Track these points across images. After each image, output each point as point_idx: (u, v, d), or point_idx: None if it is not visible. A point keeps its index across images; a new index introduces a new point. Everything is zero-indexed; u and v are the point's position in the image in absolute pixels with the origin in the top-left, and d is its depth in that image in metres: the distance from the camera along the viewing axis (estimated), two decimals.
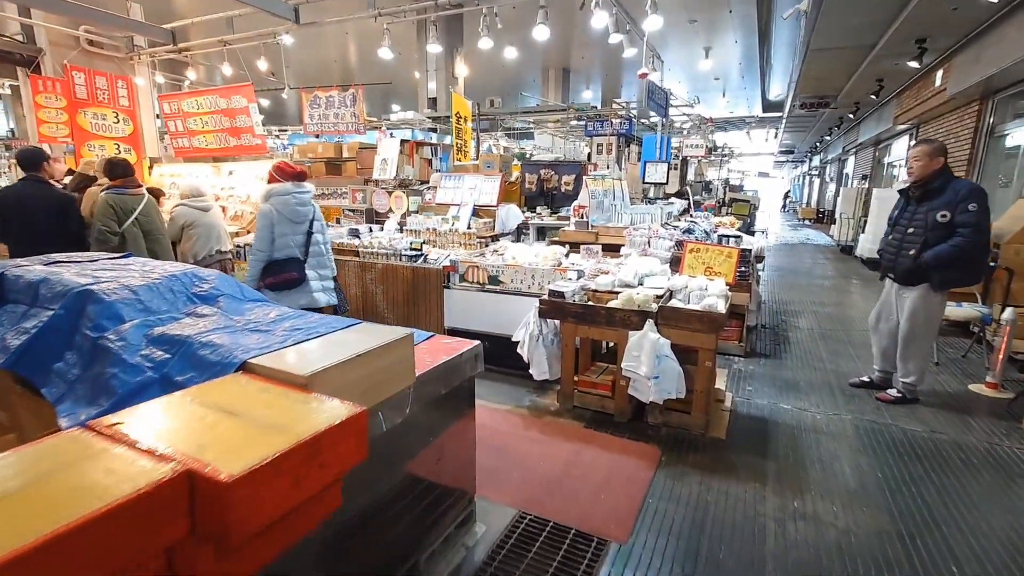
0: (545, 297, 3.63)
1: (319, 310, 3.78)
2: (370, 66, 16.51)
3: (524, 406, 3.81)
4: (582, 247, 4.48)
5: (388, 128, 14.21)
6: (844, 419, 3.67)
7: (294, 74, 14.79)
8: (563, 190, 7.37)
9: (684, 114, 12.44)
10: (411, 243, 4.93)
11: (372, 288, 5.07)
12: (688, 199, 7.12)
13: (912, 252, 3.61)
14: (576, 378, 3.69)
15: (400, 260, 4.88)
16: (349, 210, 5.92)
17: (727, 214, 12.02)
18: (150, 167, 7.68)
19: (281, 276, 3.77)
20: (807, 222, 23.20)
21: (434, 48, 7.44)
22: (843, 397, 4.04)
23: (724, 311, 3.24)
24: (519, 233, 6.22)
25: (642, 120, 13.52)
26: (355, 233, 5.47)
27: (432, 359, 2.02)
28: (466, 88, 15.31)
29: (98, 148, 7.03)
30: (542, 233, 6.54)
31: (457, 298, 4.54)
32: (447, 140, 9.77)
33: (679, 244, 4.76)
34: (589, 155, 11.92)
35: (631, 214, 5.60)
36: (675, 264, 4.36)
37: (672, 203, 6.49)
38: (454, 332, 4.67)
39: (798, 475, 2.98)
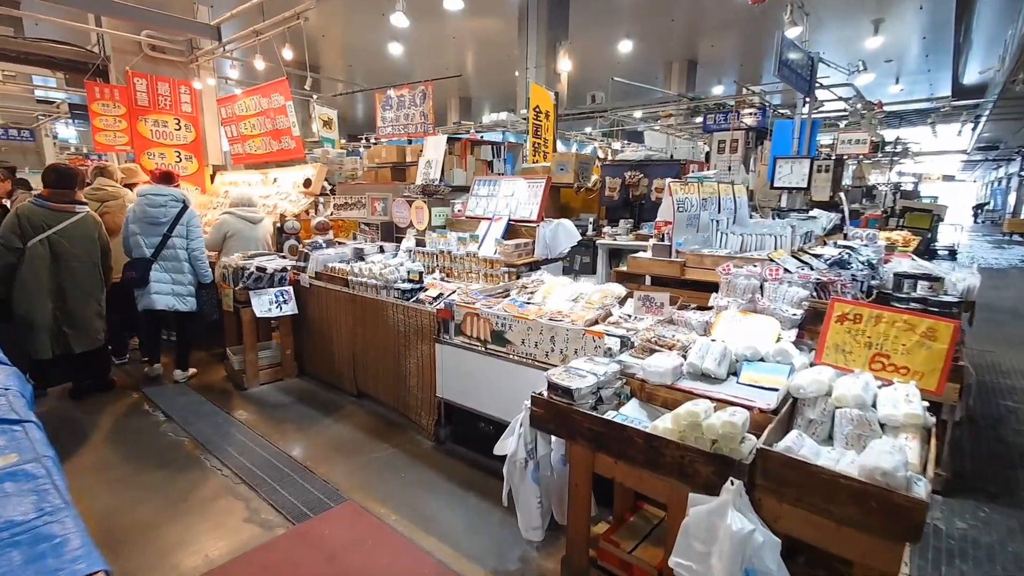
0: (541, 393, 2.03)
1: (166, 313, 4.04)
2: (478, 73, 15.82)
3: (510, 572, 2.23)
4: (636, 295, 2.76)
5: (478, 132, 13.27)
6: None
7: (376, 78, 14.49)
8: (654, 199, 5.58)
9: (840, 98, 9.61)
10: (408, 271, 3.60)
11: (358, 332, 3.83)
12: (842, 211, 4.86)
13: None
14: (599, 543, 2.04)
15: (390, 295, 3.57)
16: (365, 224, 4.82)
17: (899, 227, 8.97)
18: (212, 175, 7.40)
19: (127, 273, 3.94)
20: (1015, 237, 17.83)
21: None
22: None
23: (926, 485, 1.39)
24: (592, 260, 4.60)
25: (781, 111, 10.87)
26: (360, 254, 4.30)
27: None
28: (571, 86, 13.85)
29: (158, 156, 6.81)
30: (617, 259, 4.82)
31: (453, 358, 3.09)
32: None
33: (821, 290, 2.81)
34: (707, 156, 9.73)
35: (744, 235, 3.70)
36: (810, 330, 2.47)
37: (814, 217, 4.39)
38: (450, 409, 3.22)
39: None
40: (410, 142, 8.12)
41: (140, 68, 6.73)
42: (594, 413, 1.89)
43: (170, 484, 2.82)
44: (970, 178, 36.34)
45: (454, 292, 3.40)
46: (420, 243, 4.27)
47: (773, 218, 4.78)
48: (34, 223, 3.47)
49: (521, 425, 2.07)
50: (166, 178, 4.11)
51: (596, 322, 2.82)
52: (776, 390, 1.93)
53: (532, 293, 3.34)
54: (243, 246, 4.57)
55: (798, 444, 1.59)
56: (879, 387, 1.82)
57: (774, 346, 2.11)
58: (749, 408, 1.83)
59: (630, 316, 2.92)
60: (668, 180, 3.66)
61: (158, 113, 6.76)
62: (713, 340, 2.24)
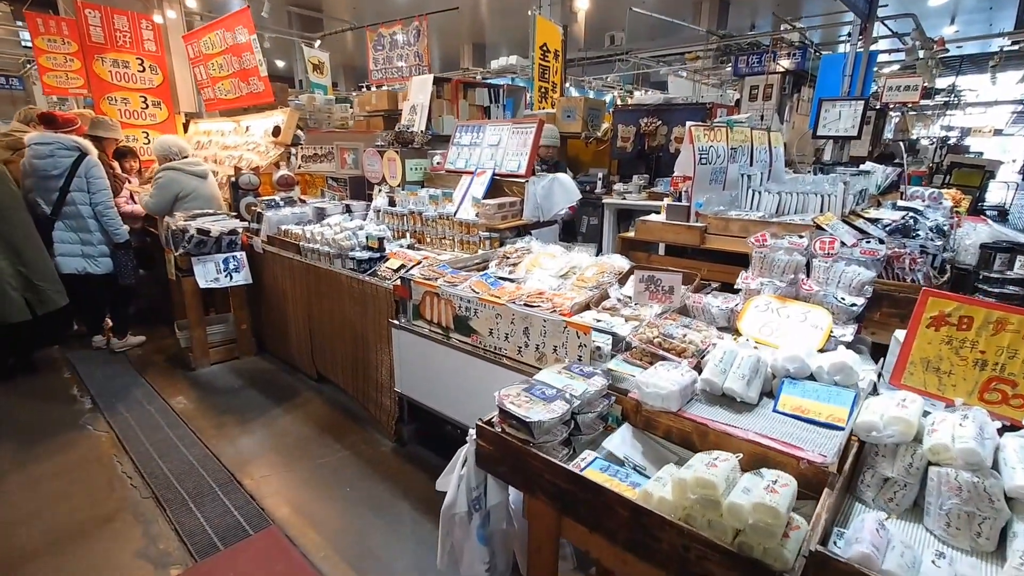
0: (491, 420, 1.43)
1: (74, 278, 3.50)
2: (492, 14, 14.52)
3: None
4: (637, 274, 2.09)
5: (486, 79, 12.22)
6: None
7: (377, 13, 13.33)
8: (673, 150, 4.77)
9: (895, 34, 8.39)
10: (368, 237, 2.97)
11: (314, 306, 3.25)
12: (902, 165, 4.03)
13: None
14: None
15: (345, 266, 2.96)
16: (333, 179, 4.15)
17: (945, 185, 7.98)
18: (186, 124, 6.74)
19: None
20: None
21: None
22: None
23: None
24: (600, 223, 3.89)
25: (822, 52, 9.63)
26: (321, 215, 3.67)
27: None
28: (590, 29, 12.59)
29: (120, 101, 6.15)
30: (627, 221, 4.11)
31: (412, 347, 2.50)
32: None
33: (889, 270, 2.13)
34: (737, 104, 8.70)
35: (781, 194, 2.97)
36: (869, 322, 1.82)
37: (867, 172, 3.59)
38: (411, 407, 2.66)
39: None
40: (403, 87, 7.33)
41: None
42: (558, 462, 1.28)
43: (64, 498, 2.34)
44: (1019, 132, 33.76)
45: (419, 264, 2.78)
46: (391, 202, 3.62)
47: (815, 173, 3.99)
48: None
49: (464, 463, 1.48)
50: (47, 121, 3.50)
51: (587, 306, 2.19)
52: (836, 429, 1.30)
53: (514, 265, 2.71)
54: (202, 207, 3.95)
55: (880, 544, 0.96)
56: (1002, 434, 1.18)
57: (829, 359, 1.46)
58: (796, 458, 1.22)
59: (632, 299, 2.27)
60: (689, 124, 2.91)
61: (117, 52, 6.05)
62: (739, 341, 1.60)
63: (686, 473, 1.09)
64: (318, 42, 10.93)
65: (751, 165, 3.49)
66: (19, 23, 11.43)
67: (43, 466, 2.55)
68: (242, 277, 3.62)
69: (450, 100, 5.29)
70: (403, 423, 2.77)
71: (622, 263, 2.57)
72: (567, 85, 8.92)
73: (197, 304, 3.57)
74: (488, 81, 7.26)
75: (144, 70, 6.29)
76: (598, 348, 1.82)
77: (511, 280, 2.52)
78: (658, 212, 3.42)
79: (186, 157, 3.99)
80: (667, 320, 1.80)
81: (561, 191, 3.37)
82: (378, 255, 2.92)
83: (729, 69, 12.42)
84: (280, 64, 17.38)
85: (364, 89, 12.24)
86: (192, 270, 3.45)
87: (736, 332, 1.84)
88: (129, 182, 4.55)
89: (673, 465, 1.22)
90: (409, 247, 3.14)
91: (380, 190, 3.79)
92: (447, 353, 2.32)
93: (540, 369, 2.00)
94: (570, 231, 5.02)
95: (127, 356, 3.82)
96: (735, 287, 2.10)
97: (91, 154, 3.51)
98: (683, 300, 1.97)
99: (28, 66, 13.36)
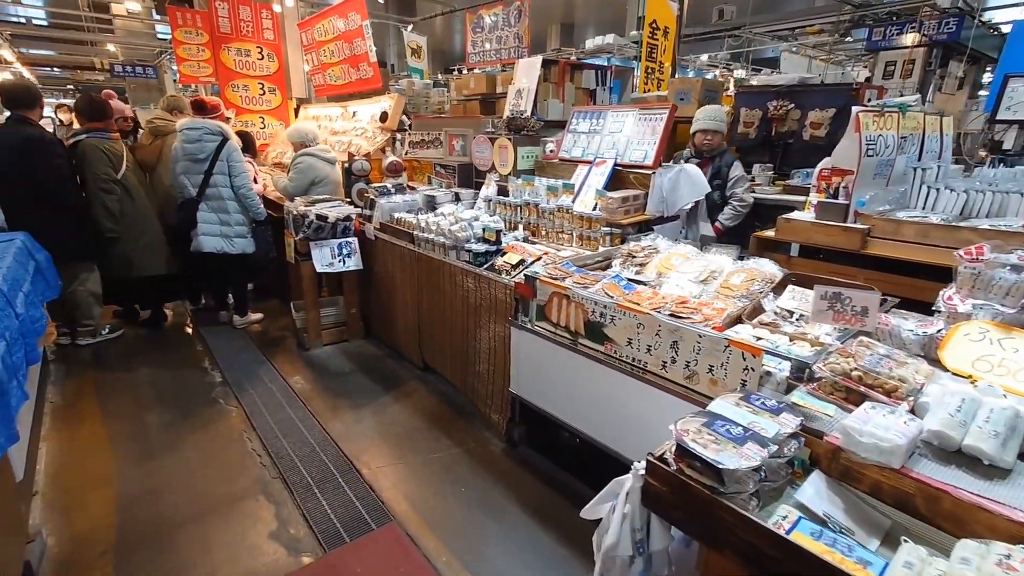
0: (663, 456, 1.25)
1: (211, 256, 3.71)
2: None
3: None
4: (819, 290, 1.78)
5: (579, 58, 11.78)
6: None
7: None
8: (808, 137, 4.24)
9: None
10: (484, 229, 2.87)
11: (424, 297, 3.22)
12: None
13: None
14: None
15: (460, 258, 2.88)
16: (441, 166, 4.10)
17: None
18: (296, 109, 7.04)
19: (179, 214, 3.69)
20: None
21: None
22: None
23: None
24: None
25: (980, 19, 8.28)
26: (432, 203, 3.63)
27: None
28: (691, 3, 11.72)
29: (242, 88, 6.53)
30: (761, 217, 3.70)
31: (533, 349, 2.38)
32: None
33: None
34: (868, 80, 7.73)
35: (968, 192, 2.50)
36: None
37: None
38: (526, 410, 2.55)
39: None
40: (504, 69, 7.20)
41: None
42: (755, 517, 1.08)
43: (203, 468, 2.48)
44: None
45: (539, 260, 2.63)
46: (503, 191, 3.50)
47: (993, 166, 3.37)
48: (116, 155, 3.58)
49: (627, 501, 1.32)
50: (198, 108, 3.70)
51: (739, 319, 1.94)
52: None
53: (642, 266, 2.49)
54: (332, 192, 4.09)
55: None
56: None
57: None
58: None
59: (791, 314, 1.99)
60: (857, 110, 2.51)
61: (240, 41, 6.41)
62: (977, 386, 1.30)
63: (965, 571, 0.85)
64: (411, 26, 11.04)
65: (918, 157, 2.99)
66: (156, 17, 12.53)
67: (185, 437, 2.72)
68: (354, 263, 3.68)
69: (556, 83, 5.08)
70: (513, 424, 2.67)
71: (771, 269, 2.27)
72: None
73: (313, 287, 3.68)
74: (595, 63, 6.91)
75: (263, 58, 6.62)
76: (768, 374, 1.58)
77: (642, 283, 2.31)
78: (796, 208, 3.04)
79: (316, 143, 4.12)
80: (860, 347, 1.52)
81: (688, 183, 3.08)
82: (494, 248, 2.81)
83: (853, 42, 11.12)
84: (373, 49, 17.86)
85: (457, 73, 12.28)
86: (310, 254, 3.55)
87: (937, 363, 1.52)
88: (252, 165, 4.79)
89: (916, 546, 0.98)
90: (524, 240, 3.00)
91: (490, 179, 3.69)
92: (574, 360, 2.16)
93: (689, 388, 1.81)
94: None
95: (247, 332, 4.04)
96: (932, 308, 1.75)
97: (232, 138, 3.69)
98: (873, 327, 1.66)
99: (161, 56, 14.72)
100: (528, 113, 4.11)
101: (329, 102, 6.92)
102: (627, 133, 3.12)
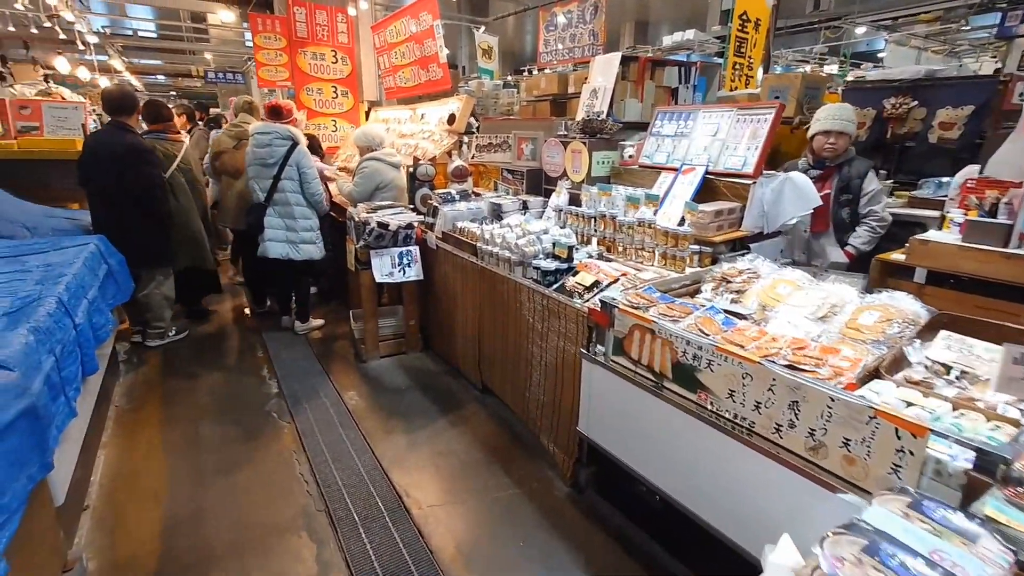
0: None
1: (276, 262, 3.68)
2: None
3: None
4: (1010, 351, 1.33)
5: (659, 51, 11.18)
6: None
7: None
8: (935, 139, 3.59)
9: None
10: (555, 244, 2.58)
11: (486, 314, 2.98)
12: None
13: None
14: None
15: (526, 275, 2.61)
16: (508, 171, 3.84)
17: None
18: (367, 112, 7.08)
19: (247, 219, 3.69)
20: None
21: None
22: None
23: None
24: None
25: None
26: (497, 212, 3.39)
27: None
28: None
29: (315, 91, 6.63)
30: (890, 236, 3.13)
31: (608, 387, 2.06)
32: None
33: None
34: (996, 72, 6.70)
35: None
36: None
37: None
38: (596, 451, 2.23)
39: None
40: (575, 69, 6.88)
41: None
42: None
43: (249, 492, 2.36)
44: None
45: (617, 282, 2.31)
46: (575, 200, 3.20)
47: None
48: (167, 155, 3.71)
49: None
50: (273, 113, 3.64)
51: (876, 373, 1.53)
52: None
53: (739, 293, 2.11)
54: (395, 197, 3.97)
55: None
56: None
57: None
58: None
59: (947, 369, 1.56)
60: None
61: (316, 45, 6.50)
62: None
63: None
64: (483, 27, 10.92)
65: None
66: (245, 25, 13.28)
67: (236, 454, 2.64)
68: (414, 273, 3.51)
69: (635, 82, 4.69)
70: (580, 465, 2.36)
71: (913, 307, 1.82)
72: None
73: (372, 297, 3.54)
74: (679, 59, 6.41)
75: (336, 61, 6.68)
76: (938, 464, 1.17)
77: (741, 316, 1.93)
78: (926, 226, 2.51)
79: (382, 147, 4.01)
80: None
81: (794, 195, 2.63)
82: (566, 266, 2.51)
83: (970, 30, 9.80)
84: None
85: (527, 73, 12.03)
86: (370, 263, 3.41)
87: None
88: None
89: None
90: (599, 257, 2.68)
91: (561, 186, 3.39)
92: (658, 406, 1.82)
93: (813, 463, 1.43)
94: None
95: (307, 339, 3.98)
96: None
97: (301, 143, 3.64)
98: None
99: (248, 63, 15.60)
100: (604, 114, 3.78)
101: (399, 104, 6.90)
102: (722, 136, 2.72)
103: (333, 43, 6.61)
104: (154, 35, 14.78)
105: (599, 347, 2.09)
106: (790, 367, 1.47)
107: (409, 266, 3.49)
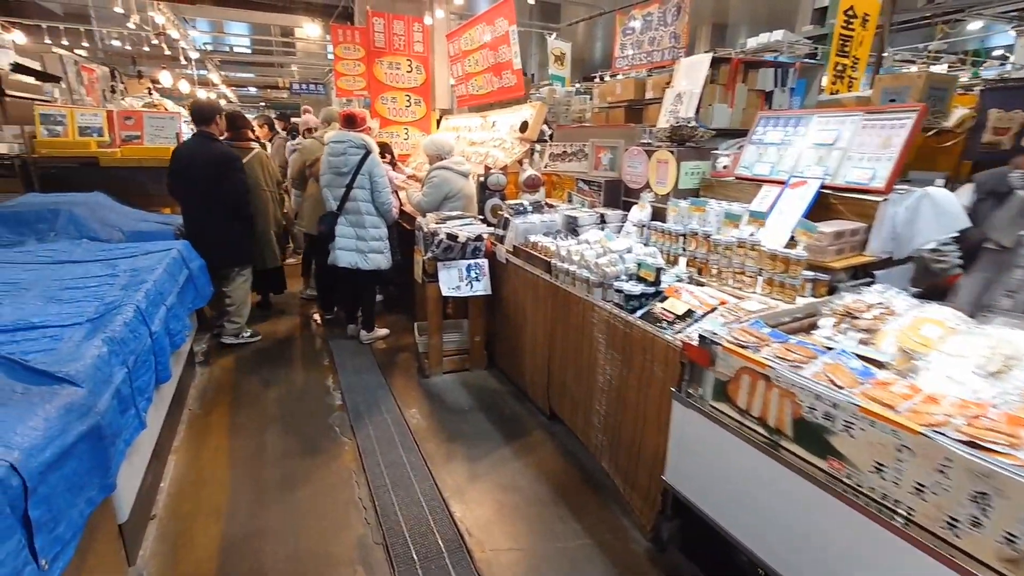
0: None
1: (346, 271, 3.69)
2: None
3: None
4: None
5: (743, 54, 10.51)
6: None
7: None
8: None
9: None
10: (640, 265, 2.31)
11: (557, 336, 2.74)
12: None
13: None
14: None
15: (606, 298, 2.35)
16: (584, 181, 3.59)
17: None
18: (439, 120, 7.08)
19: (318, 227, 3.71)
20: None
21: None
22: None
23: None
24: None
25: None
26: (572, 226, 3.16)
27: None
28: None
29: (390, 100, 6.71)
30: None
31: (704, 435, 1.76)
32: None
33: None
34: None
35: None
36: None
37: None
38: (680, 504, 1.94)
39: None
40: (650, 74, 6.53)
41: (380, 7, 6.56)
42: None
43: (307, 515, 2.25)
44: None
45: (714, 311, 2.01)
46: (659, 215, 2.91)
47: None
48: None
49: None
50: (348, 121, 3.61)
51: None
52: None
53: (869, 332, 1.75)
54: (464, 207, 3.88)
55: None
56: None
57: None
58: None
59: None
60: None
61: (393, 54, 6.57)
62: None
63: None
64: (555, 33, 10.73)
65: None
66: (327, 38, 13.94)
67: (296, 471, 2.56)
68: (482, 287, 3.35)
69: (725, 85, 4.32)
70: (664, 517, 2.07)
71: None
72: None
73: (438, 311, 3.41)
74: (777, 59, 5.92)
75: (411, 70, 6.73)
76: None
77: (878, 363, 1.59)
78: None
79: (451, 155, 3.91)
80: None
81: (932, 215, 2.22)
82: (652, 290, 2.23)
83: None
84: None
85: (598, 80, 11.72)
86: (437, 275, 3.28)
87: None
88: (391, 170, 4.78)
89: None
90: (689, 281, 2.38)
91: (643, 199, 3.11)
92: (771, 468, 1.52)
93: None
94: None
95: (372, 349, 3.93)
96: None
97: (374, 151, 3.60)
98: None
99: (328, 74, 16.37)
100: (692, 121, 3.46)
101: (470, 112, 6.85)
102: (843, 145, 2.34)
103: (409, 52, 6.67)
104: (248, 50, 15.88)
105: (695, 388, 1.80)
106: (971, 444, 1.14)
107: (477, 280, 3.33)
